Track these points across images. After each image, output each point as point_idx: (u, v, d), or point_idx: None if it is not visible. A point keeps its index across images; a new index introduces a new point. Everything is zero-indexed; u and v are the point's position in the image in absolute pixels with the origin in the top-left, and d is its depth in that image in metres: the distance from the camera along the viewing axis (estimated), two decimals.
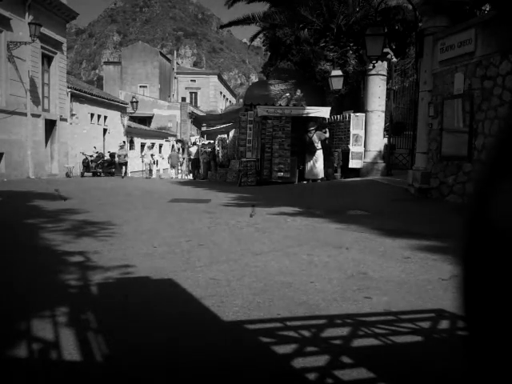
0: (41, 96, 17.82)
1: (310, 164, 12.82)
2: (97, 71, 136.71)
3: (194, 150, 21.43)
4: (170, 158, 24.22)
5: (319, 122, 13.29)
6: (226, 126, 20.48)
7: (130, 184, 14.31)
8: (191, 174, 22.06)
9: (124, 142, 22.16)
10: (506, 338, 0.48)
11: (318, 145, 12.68)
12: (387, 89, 12.68)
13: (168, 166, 24.76)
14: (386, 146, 12.66)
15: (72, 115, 20.21)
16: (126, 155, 20.15)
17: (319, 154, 12.76)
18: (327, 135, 12.99)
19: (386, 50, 11.37)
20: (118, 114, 26.06)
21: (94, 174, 19.96)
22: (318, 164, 12.78)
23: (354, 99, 13.80)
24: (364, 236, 4.94)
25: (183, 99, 45.74)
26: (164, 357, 2.05)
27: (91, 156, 20.31)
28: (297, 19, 14.74)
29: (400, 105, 13.83)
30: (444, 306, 2.68)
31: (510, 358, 0.48)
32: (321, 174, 12.79)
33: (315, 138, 12.62)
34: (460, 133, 7.36)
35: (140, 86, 41.75)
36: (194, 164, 21.31)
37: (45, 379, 1.90)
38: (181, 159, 24.62)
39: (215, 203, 8.17)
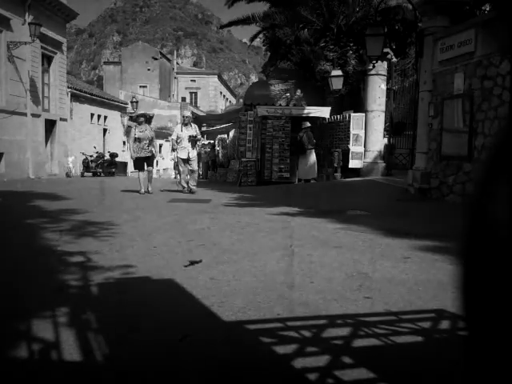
0: (41, 96, 17.82)
1: (301, 164, 12.77)
2: (97, 71, 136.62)
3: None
4: None
5: (314, 123, 13.26)
6: (226, 126, 20.51)
7: (129, 184, 14.29)
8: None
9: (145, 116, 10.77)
10: (506, 338, 0.48)
11: (309, 145, 12.61)
12: (387, 89, 12.68)
13: (167, 166, 24.86)
14: (386, 146, 12.65)
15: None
16: (151, 140, 9.98)
17: (309, 154, 12.66)
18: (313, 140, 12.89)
19: (386, 50, 11.37)
20: (118, 113, 26.07)
21: (94, 174, 19.97)
22: (309, 164, 12.69)
23: (354, 99, 13.79)
24: (364, 236, 4.94)
25: (183, 99, 45.77)
26: (164, 357, 2.05)
27: (91, 156, 20.33)
28: (297, 19, 14.74)
29: (400, 105, 13.83)
30: (444, 305, 2.68)
31: (509, 358, 0.48)
32: (312, 175, 12.68)
33: (305, 138, 12.56)
34: (460, 133, 7.36)
35: (140, 86, 41.81)
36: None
37: (45, 379, 1.90)
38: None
39: (215, 203, 8.17)
